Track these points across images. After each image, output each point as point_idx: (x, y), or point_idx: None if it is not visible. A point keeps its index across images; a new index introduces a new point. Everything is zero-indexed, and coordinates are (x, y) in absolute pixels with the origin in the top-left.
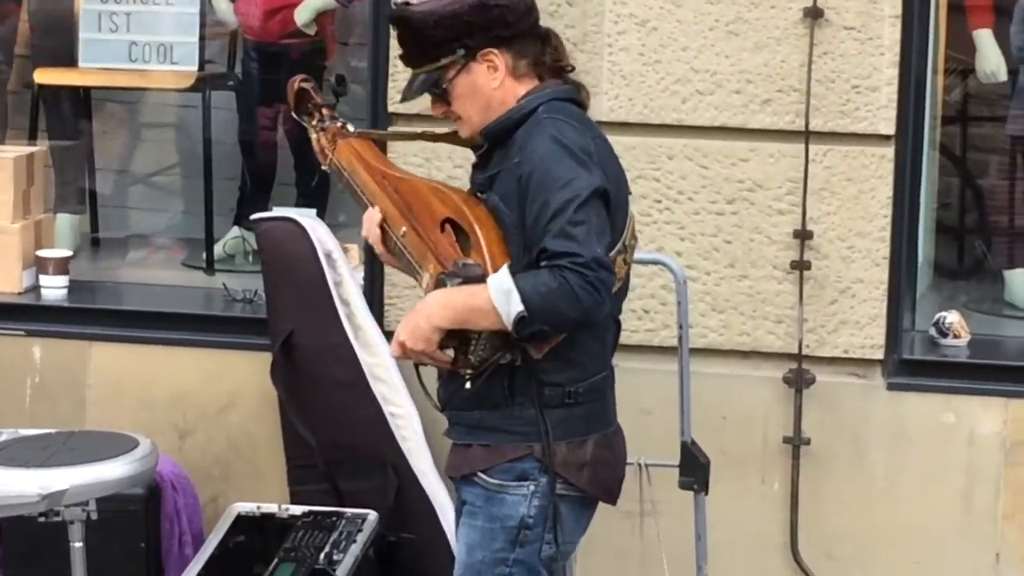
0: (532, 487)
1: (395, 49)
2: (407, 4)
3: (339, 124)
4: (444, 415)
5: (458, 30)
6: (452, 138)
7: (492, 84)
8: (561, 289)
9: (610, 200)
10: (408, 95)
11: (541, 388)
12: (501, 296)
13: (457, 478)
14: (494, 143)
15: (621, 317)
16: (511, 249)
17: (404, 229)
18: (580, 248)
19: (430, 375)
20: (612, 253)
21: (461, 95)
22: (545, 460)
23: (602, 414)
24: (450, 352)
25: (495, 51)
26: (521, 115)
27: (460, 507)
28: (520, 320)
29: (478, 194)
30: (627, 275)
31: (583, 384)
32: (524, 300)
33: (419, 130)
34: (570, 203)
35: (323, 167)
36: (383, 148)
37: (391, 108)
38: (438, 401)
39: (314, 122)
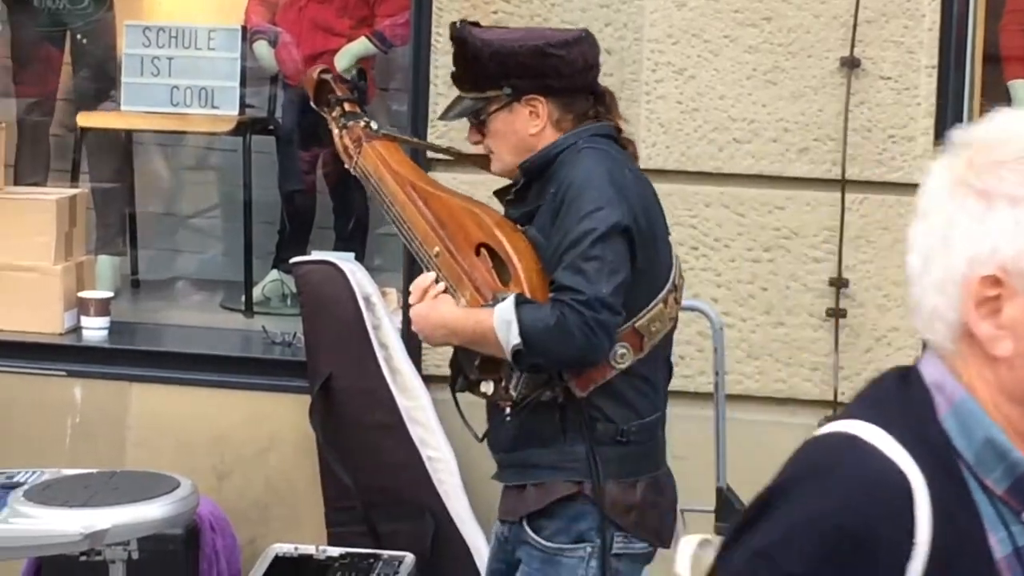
0: (589, 548)
1: (435, 95)
2: (475, 24)
3: (363, 123)
4: (495, 458)
5: (510, 68)
6: (483, 162)
7: (531, 130)
8: (558, 327)
9: (634, 238)
10: (447, 115)
11: (593, 424)
12: (503, 326)
13: (515, 521)
14: (532, 178)
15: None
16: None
17: (438, 249)
18: (586, 286)
19: (472, 409)
20: (662, 293)
21: (497, 132)
22: (595, 496)
23: (652, 456)
24: (490, 385)
25: (541, 99)
26: (559, 150)
27: (503, 565)
28: (517, 352)
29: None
30: (676, 315)
31: (636, 423)
32: (523, 333)
33: (447, 145)
34: (587, 235)
35: (347, 167)
36: (416, 159)
37: (429, 155)
38: (489, 443)
39: (334, 114)
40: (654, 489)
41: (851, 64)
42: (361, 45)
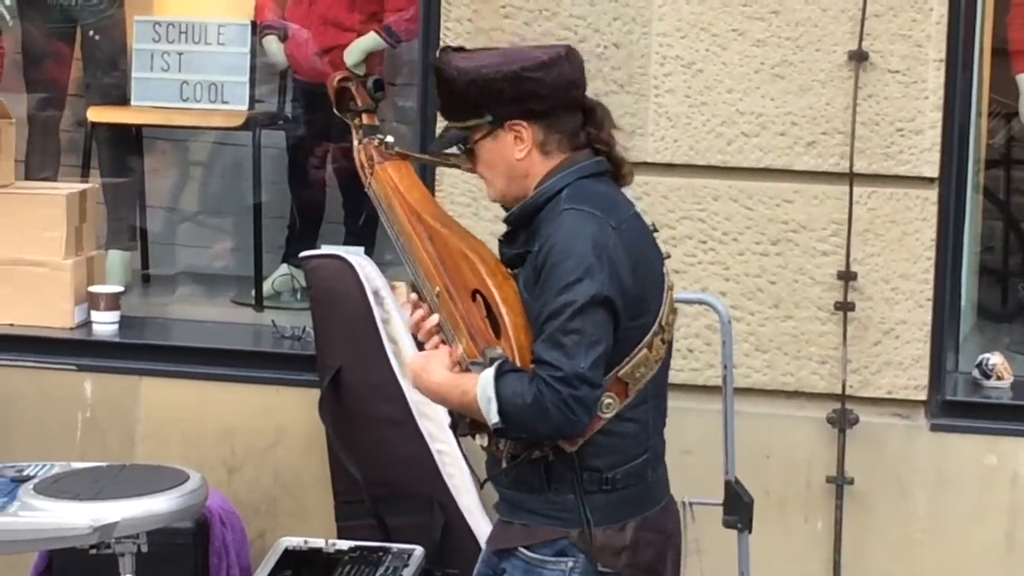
0: (571, 563)
1: None
2: (458, 50)
3: (377, 142)
4: (493, 485)
5: (489, 95)
6: None
7: (517, 155)
8: (536, 404)
9: (615, 305)
10: (436, 146)
11: (580, 474)
12: (484, 401)
13: (494, 549)
14: (520, 225)
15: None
16: (533, 337)
17: (438, 289)
18: (565, 362)
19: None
20: (645, 339)
21: (485, 159)
22: (582, 545)
23: (643, 497)
24: (484, 439)
25: (524, 123)
26: (544, 199)
27: (485, 562)
28: (498, 429)
29: (508, 268)
30: (668, 351)
31: (620, 470)
32: (501, 411)
33: (459, 156)
34: (566, 307)
35: (364, 186)
36: (432, 176)
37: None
38: (482, 475)
39: (358, 121)
40: (646, 527)
41: (859, 57)
42: (371, 40)
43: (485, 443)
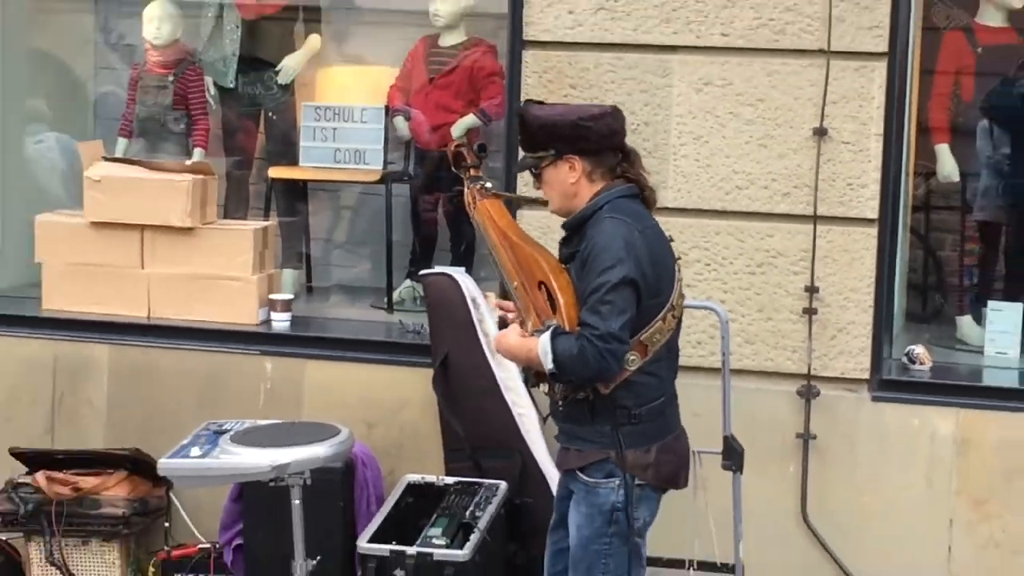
0: (617, 482)
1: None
2: (539, 103)
3: (479, 186)
4: (556, 424)
5: (553, 136)
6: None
7: (570, 180)
8: (580, 355)
9: (639, 285)
10: (517, 167)
11: (614, 410)
12: (543, 354)
13: (562, 472)
14: (573, 231)
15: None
16: (578, 310)
17: (516, 284)
18: (600, 323)
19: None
20: (662, 313)
21: (547, 182)
22: (619, 463)
23: (661, 429)
24: (544, 386)
25: (576, 158)
26: (591, 211)
27: (566, 491)
28: (552, 373)
29: (564, 264)
30: (678, 324)
31: (644, 408)
32: (555, 360)
33: (532, 198)
34: (603, 285)
35: (470, 216)
36: (513, 211)
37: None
38: (551, 416)
39: (468, 173)
40: (665, 450)
41: (820, 133)
42: (470, 119)
43: (545, 389)
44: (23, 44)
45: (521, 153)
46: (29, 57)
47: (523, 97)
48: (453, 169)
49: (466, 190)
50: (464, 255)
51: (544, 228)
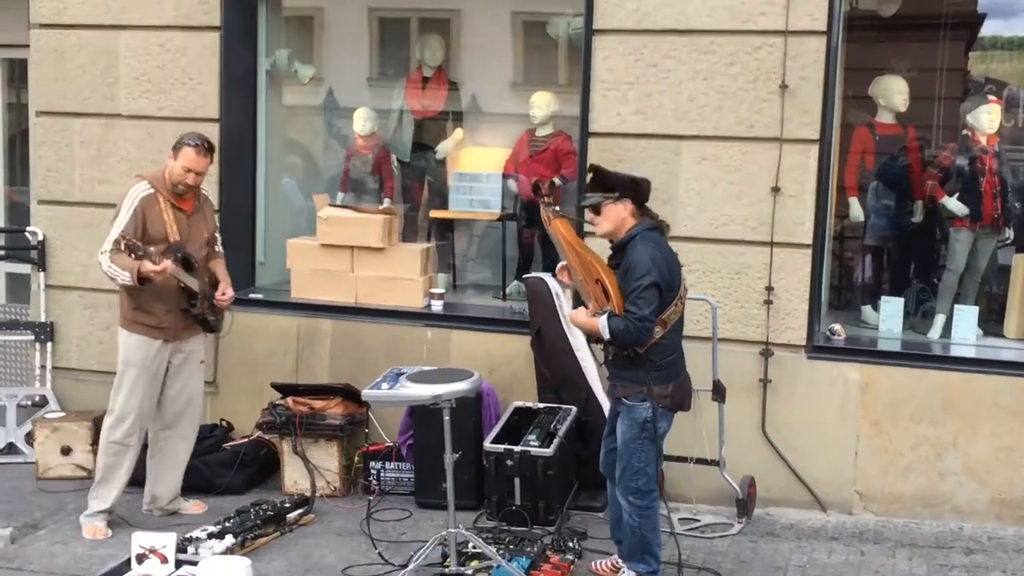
0: (648, 405)
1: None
2: (601, 166)
3: (552, 210)
4: (608, 371)
5: (616, 186)
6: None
7: (622, 215)
8: (625, 331)
9: (661, 286)
10: (584, 202)
11: (646, 362)
12: (603, 329)
13: (612, 400)
14: (618, 250)
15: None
16: (623, 301)
17: (581, 278)
18: (638, 311)
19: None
20: (674, 301)
21: (606, 215)
22: (648, 393)
23: (675, 373)
24: (600, 346)
25: (628, 200)
26: (631, 237)
27: (615, 410)
28: (608, 341)
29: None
30: (683, 309)
31: (664, 360)
32: (610, 332)
33: (586, 220)
34: (640, 286)
35: (547, 231)
36: (579, 230)
37: (587, 228)
38: (605, 365)
39: (543, 200)
40: (677, 387)
41: (776, 190)
42: (558, 179)
43: (602, 348)
44: (280, 135)
45: (588, 197)
46: (284, 143)
47: (584, 170)
48: (532, 194)
49: (542, 211)
50: (551, 266)
51: (603, 249)
